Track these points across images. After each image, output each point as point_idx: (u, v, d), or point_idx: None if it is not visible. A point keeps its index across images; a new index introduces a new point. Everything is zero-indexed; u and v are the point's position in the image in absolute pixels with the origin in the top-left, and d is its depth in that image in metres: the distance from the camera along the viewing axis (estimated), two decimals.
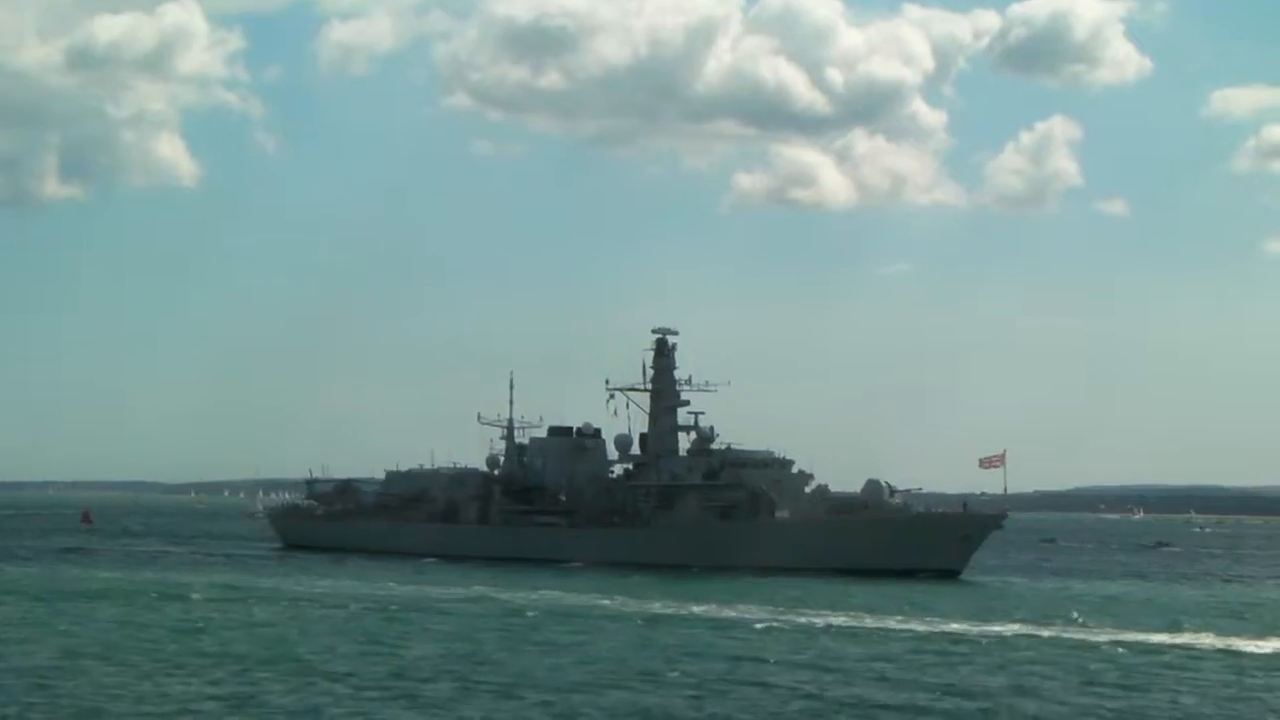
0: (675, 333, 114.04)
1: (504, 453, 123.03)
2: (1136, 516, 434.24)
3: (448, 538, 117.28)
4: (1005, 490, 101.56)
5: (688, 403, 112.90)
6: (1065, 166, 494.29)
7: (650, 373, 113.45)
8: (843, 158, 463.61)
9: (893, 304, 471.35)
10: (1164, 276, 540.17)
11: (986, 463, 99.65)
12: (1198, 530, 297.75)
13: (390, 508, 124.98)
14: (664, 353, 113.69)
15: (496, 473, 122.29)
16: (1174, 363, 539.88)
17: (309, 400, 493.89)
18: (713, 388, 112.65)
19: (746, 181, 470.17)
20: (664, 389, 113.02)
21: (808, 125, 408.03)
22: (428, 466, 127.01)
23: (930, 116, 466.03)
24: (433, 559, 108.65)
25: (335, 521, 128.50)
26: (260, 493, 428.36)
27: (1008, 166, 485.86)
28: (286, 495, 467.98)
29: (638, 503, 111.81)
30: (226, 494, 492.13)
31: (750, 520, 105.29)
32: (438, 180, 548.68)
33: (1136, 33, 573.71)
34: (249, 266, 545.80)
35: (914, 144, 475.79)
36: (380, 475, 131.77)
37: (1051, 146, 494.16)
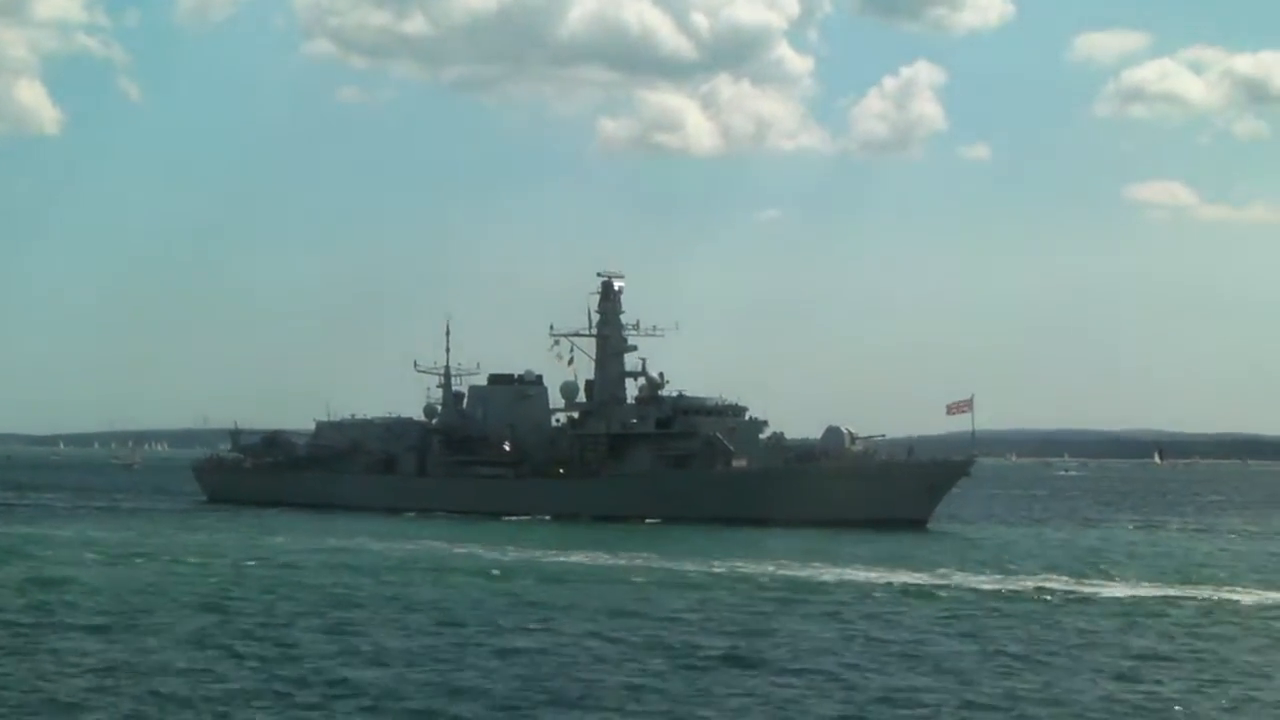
0: (621, 276, 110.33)
1: (441, 401, 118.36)
2: (1011, 461, 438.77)
3: (385, 490, 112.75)
4: (974, 435, 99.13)
5: (635, 348, 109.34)
6: (929, 111, 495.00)
7: (596, 317, 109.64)
8: (708, 103, 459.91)
9: (769, 250, 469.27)
10: (1028, 221, 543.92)
11: (954, 408, 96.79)
12: (1061, 474, 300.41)
13: (323, 460, 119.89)
14: (610, 297, 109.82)
15: (435, 422, 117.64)
16: (1040, 307, 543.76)
17: (183, 350, 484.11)
18: (660, 332, 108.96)
19: (611, 127, 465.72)
20: (611, 334, 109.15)
21: (673, 70, 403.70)
22: (360, 416, 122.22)
23: (796, 62, 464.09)
24: (370, 511, 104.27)
25: (264, 474, 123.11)
26: (130, 444, 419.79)
27: (872, 111, 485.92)
28: (162, 447, 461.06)
29: (585, 452, 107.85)
30: (96, 446, 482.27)
31: (707, 470, 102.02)
32: (306, 127, 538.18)
33: None
34: (116, 214, 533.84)
35: (779, 89, 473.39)
36: (308, 426, 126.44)
37: (915, 91, 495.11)
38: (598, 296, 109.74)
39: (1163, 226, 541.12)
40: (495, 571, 60.19)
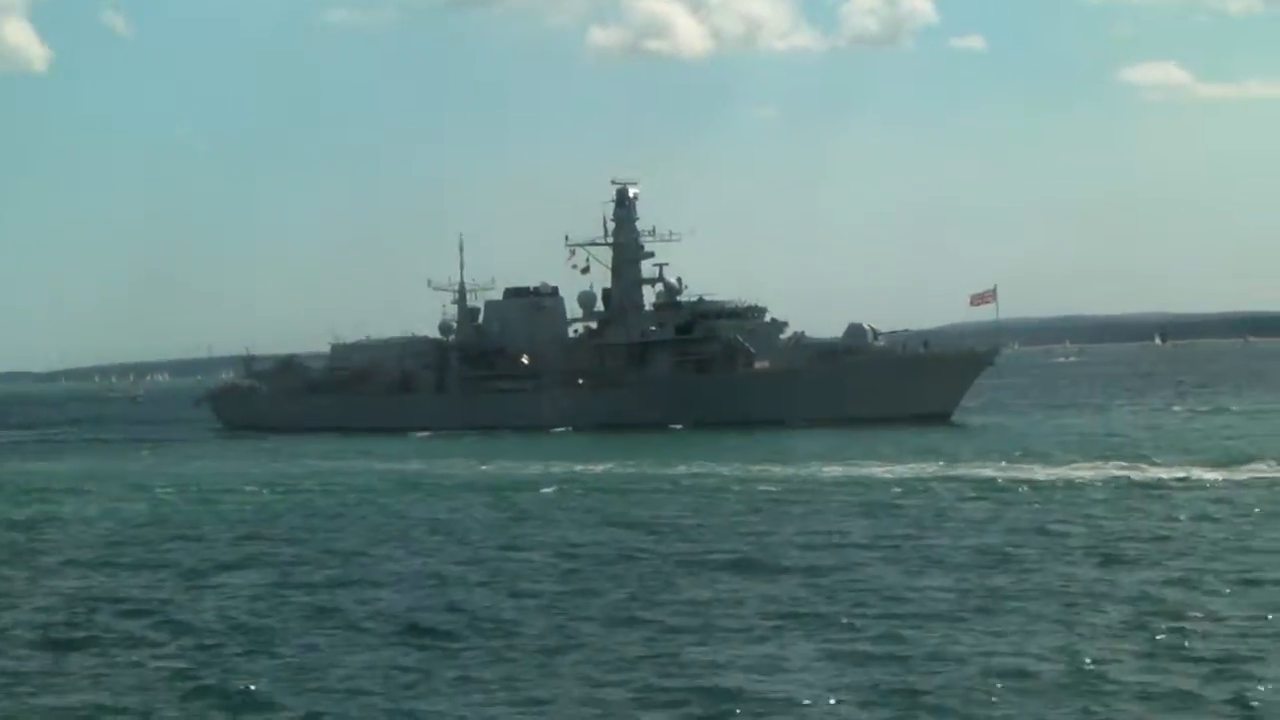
0: (635, 183, 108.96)
1: (457, 318, 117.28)
2: (1014, 349, 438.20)
3: (404, 410, 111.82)
4: (998, 325, 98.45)
5: (652, 254, 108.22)
6: (919, 5, 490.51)
7: (611, 226, 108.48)
8: (697, 5, 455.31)
9: (769, 149, 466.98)
10: (1025, 109, 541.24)
11: (978, 299, 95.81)
12: (1062, 360, 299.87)
13: (340, 382, 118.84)
14: (624, 204, 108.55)
15: (451, 339, 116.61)
16: (1040, 195, 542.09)
17: (183, 279, 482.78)
18: (676, 237, 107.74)
19: (602, 35, 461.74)
20: (627, 241, 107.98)
21: None
22: (375, 337, 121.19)
23: None
24: (391, 432, 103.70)
25: (281, 400, 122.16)
26: (131, 376, 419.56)
27: (862, 7, 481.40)
28: (163, 377, 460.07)
29: (606, 362, 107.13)
30: (96, 379, 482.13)
31: (729, 373, 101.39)
32: (296, 50, 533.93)
33: None
34: (108, 149, 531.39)
35: None
36: (321, 349, 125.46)
37: None
38: (613, 205, 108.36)
39: (1160, 107, 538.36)
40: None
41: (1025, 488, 51.76)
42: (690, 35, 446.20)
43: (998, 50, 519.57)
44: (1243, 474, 53.42)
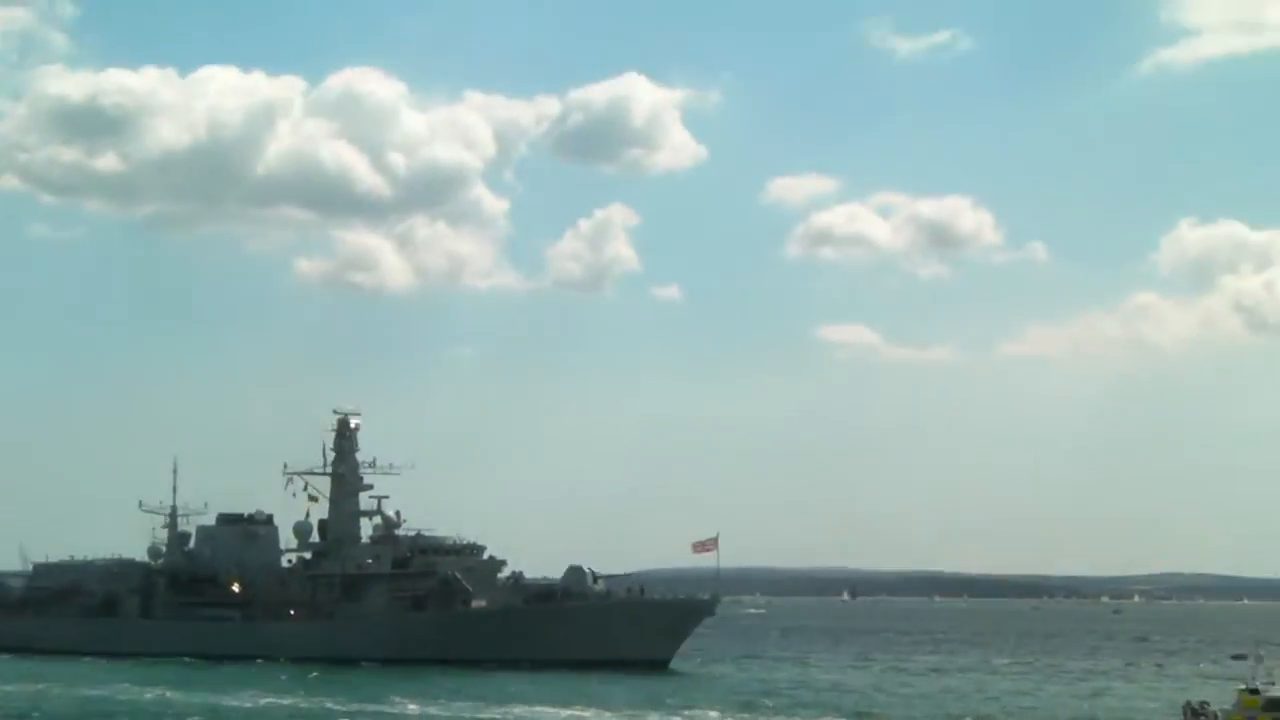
0: (358, 414, 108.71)
1: (167, 541, 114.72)
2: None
3: (107, 633, 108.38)
4: (719, 573, 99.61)
5: (371, 486, 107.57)
6: (623, 252, 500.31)
7: (331, 455, 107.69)
8: (404, 242, 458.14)
9: (476, 387, 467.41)
10: (721, 361, 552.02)
11: (699, 547, 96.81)
12: (751, 611, 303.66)
13: (41, 601, 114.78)
14: (345, 434, 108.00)
15: (160, 563, 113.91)
16: (734, 444, 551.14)
17: None
18: (397, 470, 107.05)
19: (307, 267, 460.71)
20: (347, 472, 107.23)
21: (369, 209, 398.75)
22: (79, 558, 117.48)
23: (492, 203, 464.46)
24: (90, 657, 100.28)
25: None
26: None
27: (567, 252, 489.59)
28: None
29: (319, 593, 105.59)
30: None
31: (444, 611, 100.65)
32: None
33: (692, 121, 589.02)
34: None
35: (475, 230, 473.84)
36: (16, 568, 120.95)
37: (610, 233, 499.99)
38: (333, 434, 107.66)
39: (851, 365, 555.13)
40: None
41: None
42: (394, 270, 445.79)
43: (695, 299, 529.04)
44: None
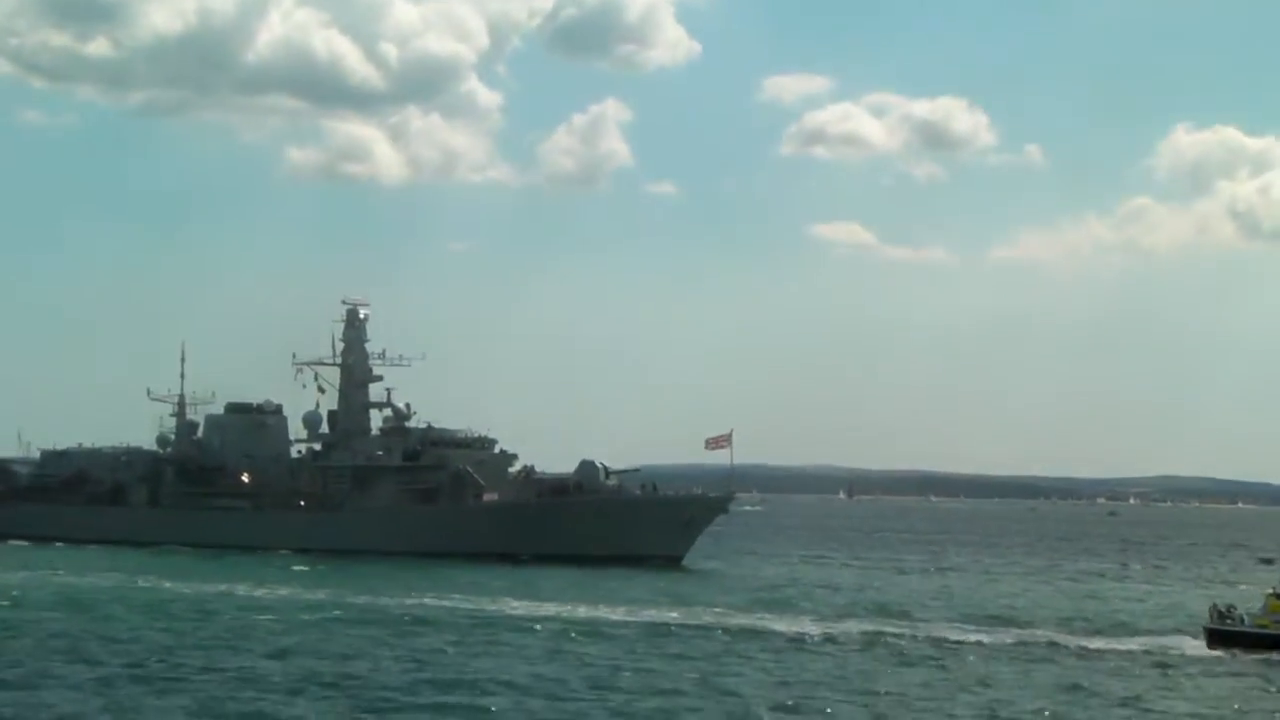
0: (366, 305, 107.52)
1: (175, 430, 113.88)
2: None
3: (115, 522, 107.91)
4: (733, 470, 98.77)
5: (380, 378, 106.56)
6: (617, 148, 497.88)
7: (340, 346, 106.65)
8: (397, 134, 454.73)
9: (470, 282, 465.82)
10: (715, 258, 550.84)
11: (713, 443, 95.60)
12: (749, 509, 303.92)
13: (48, 489, 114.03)
14: (354, 325, 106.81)
15: (168, 451, 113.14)
16: (730, 343, 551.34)
17: None
18: (406, 362, 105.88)
19: (299, 156, 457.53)
20: (356, 363, 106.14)
21: (362, 100, 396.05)
22: (88, 445, 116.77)
23: (486, 96, 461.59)
24: (97, 545, 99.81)
25: None
26: None
27: (560, 147, 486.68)
28: None
29: (329, 485, 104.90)
30: None
31: (456, 504, 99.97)
32: None
33: (686, 16, 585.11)
34: None
35: (469, 123, 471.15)
36: (33, 455, 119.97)
37: (603, 128, 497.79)
38: (342, 324, 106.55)
39: (846, 264, 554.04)
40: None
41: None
42: (389, 162, 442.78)
43: (689, 196, 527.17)
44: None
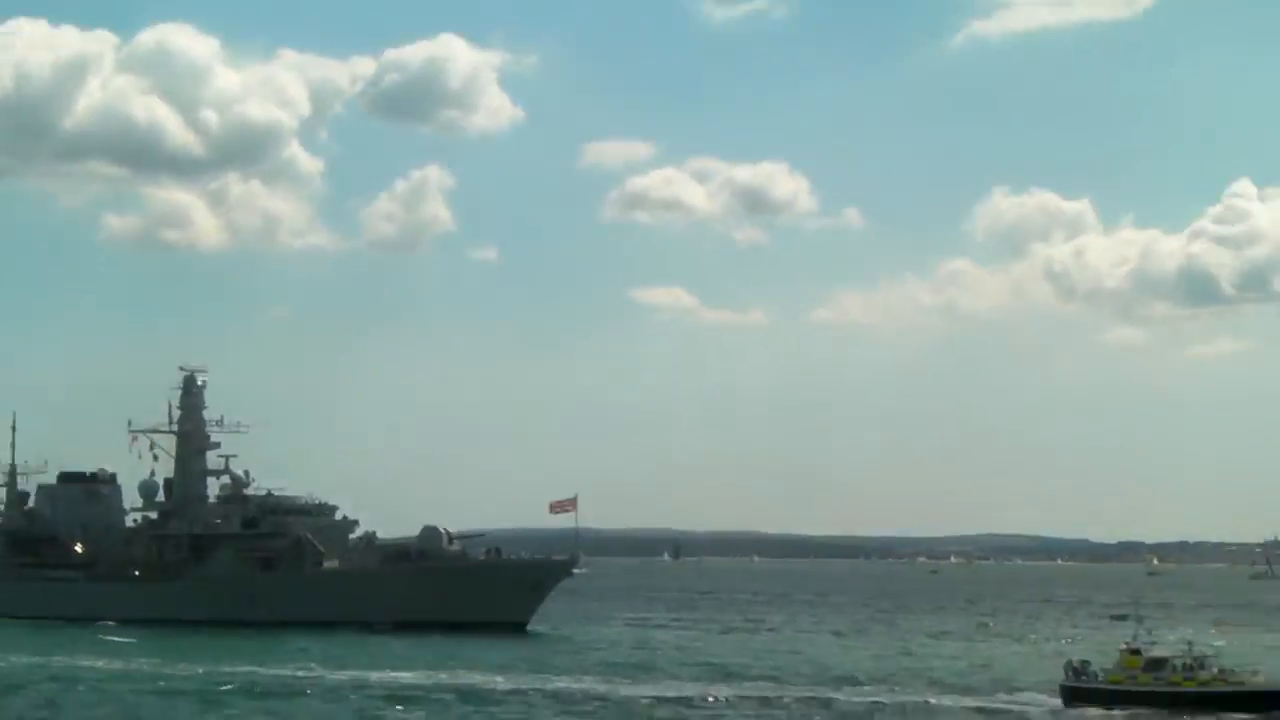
0: (205, 370, 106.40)
1: (5, 500, 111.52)
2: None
3: None
4: (577, 534, 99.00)
5: (218, 445, 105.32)
6: (439, 213, 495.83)
7: (177, 413, 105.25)
8: (216, 201, 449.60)
9: (286, 346, 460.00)
10: (540, 323, 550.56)
11: (558, 506, 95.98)
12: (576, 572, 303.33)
13: None
14: (191, 391, 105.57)
15: None
16: (559, 407, 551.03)
17: None
18: (245, 428, 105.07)
19: (118, 223, 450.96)
20: (193, 430, 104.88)
21: (182, 167, 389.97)
22: None
23: (307, 162, 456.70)
24: None
25: None
26: None
27: (381, 213, 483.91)
28: None
29: (166, 554, 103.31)
30: None
31: (297, 572, 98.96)
32: None
33: (510, 83, 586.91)
34: None
35: (290, 188, 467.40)
36: None
37: (426, 193, 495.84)
38: (179, 391, 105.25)
39: (669, 328, 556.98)
40: None
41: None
42: (207, 228, 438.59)
43: (514, 261, 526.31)
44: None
